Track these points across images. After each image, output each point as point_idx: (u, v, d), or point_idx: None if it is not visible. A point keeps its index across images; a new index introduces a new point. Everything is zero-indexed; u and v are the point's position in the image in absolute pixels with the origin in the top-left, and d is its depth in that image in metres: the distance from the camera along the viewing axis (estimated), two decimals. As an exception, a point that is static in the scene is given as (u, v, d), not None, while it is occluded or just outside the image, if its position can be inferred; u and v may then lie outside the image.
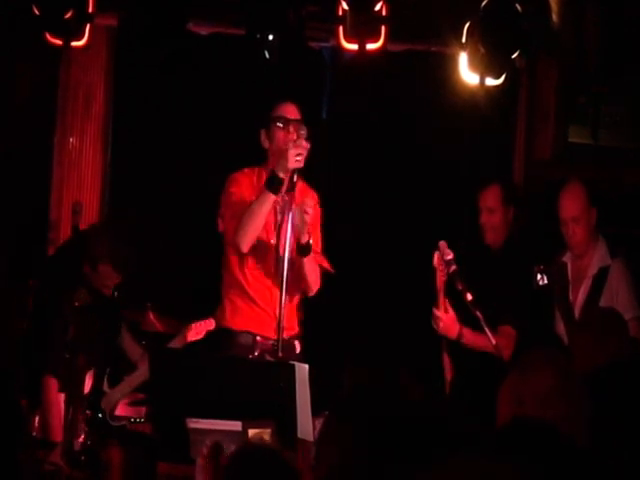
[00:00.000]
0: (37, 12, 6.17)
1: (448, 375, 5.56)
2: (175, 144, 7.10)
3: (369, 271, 6.89)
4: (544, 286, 5.60)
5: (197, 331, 6.02)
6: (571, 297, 5.76)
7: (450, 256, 5.41)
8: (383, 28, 6.16)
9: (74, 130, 7.14)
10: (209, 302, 6.12)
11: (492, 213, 5.86)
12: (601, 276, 5.71)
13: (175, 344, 5.98)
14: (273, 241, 5.33)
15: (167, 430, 4.44)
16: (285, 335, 5.26)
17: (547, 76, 6.99)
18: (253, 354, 5.34)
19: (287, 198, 5.17)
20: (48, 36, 6.27)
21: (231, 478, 2.45)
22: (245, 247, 5.30)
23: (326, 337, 6.07)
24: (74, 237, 6.16)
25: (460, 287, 5.32)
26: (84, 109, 7.14)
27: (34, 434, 5.93)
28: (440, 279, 5.45)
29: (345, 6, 6.14)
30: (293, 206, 5.10)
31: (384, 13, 6.17)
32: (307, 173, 5.40)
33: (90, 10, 6.31)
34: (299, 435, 4.15)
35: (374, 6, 6.13)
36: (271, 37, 6.13)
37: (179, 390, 4.31)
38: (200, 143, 7.09)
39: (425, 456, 2.21)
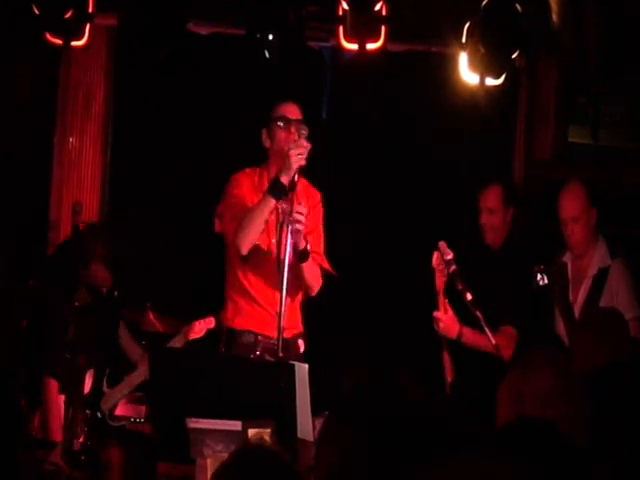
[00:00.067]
0: (37, 12, 6.17)
1: (449, 376, 5.56)
2: (175, 144, 7.10)
3: (369, 271, 6.89)
4: (544, 286, 5.60)
5: (197, 330, 6.03)
6: (571, 297, 5.76)
7: (450, 256, 5.41)
8: (383, 28, 6.16)
9: (74, 130, 7.14)
10: (209, 302, 6.12)
11: (492, 213, 5.87)
12: (601, 276, 5.71)
13: (175, 343, 5.98)
14: (274, 241, 5.33)
15: (167, 430, 4.44)
16: (288, 334, 5.27)
17: (547, 76, 6.99)
18: (254, 353, 5.34)
19: (288, 202, 5.14)
20: (48, 36, 6.27)
21: (231, 478, 2.45)
22: (244, 250, 5.30)
23: (326, 337, 6.06)
24: (74, 236, 6.16)
25: (460, 287, 5.32)
26: (84, 109, 7.14)
27: (34, 434, 5.94)
28: (440, 280, 5.45)
29: (345, 6, 6.14)
30: (293, 207, 5.09)
31: (384, 13, 6.18)
32: (307, 173, 5.40)
33: (90, 10, 6.31)
34: (299, 435, 4.14)
35: (374, 6, 6.13)
36: (271, 37, 6.13)
37: (179, 390, 4.31)
38: (200, 143, 7.09)
39: (425, 456, 2.21)
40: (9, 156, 6.92)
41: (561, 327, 5.69)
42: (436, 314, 5.52)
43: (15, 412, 6.05)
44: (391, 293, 6.85)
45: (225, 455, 2.60)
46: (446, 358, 5.56)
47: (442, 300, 5.50)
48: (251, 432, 4.01)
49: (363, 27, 6.16)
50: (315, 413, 4.16)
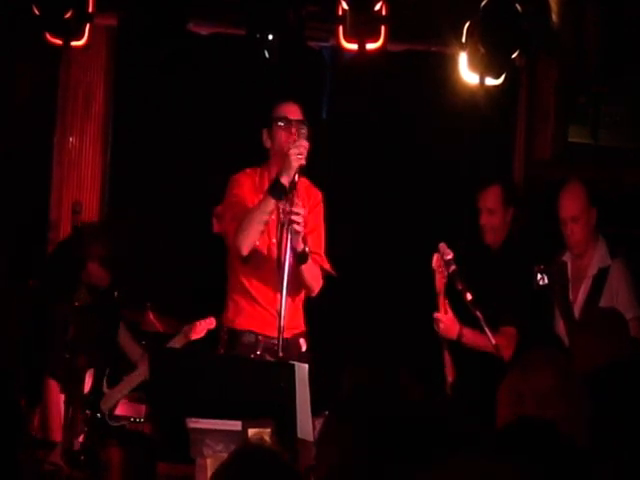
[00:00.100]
0: (37, 12, 6.17)
1: (449, 376, 5.56)
2: (175, 144, 7.10)
3: (369, 271, 6.88)
4: (544, 286, 5.60)
5: (198, 330, 6.03)
6: (571, 297, 5.76)
7: (450, 256, 5.42)
8: (383, 28, 6.16)
9: (74, 130, 7.14)
10: (209, 302, 6.12)
11: (492, 214, 5.87)
12: (601, 276, 5.71)
13: (175, 343, 5.99)
14: (275, 241, 5.32)
15: (167, 430, 4.44)
16: (289, 334, 5.29)
17: (547, 76, 6.99)
18: (255, 353, 5.34)
19: (289, 202, 5.14)
20: (48, 36, 6.27)
21: (231, 478, 2.45)
22: (245, 250, 5.30)
23: (326, 337, 6.06)
24: (73, 236, 6.17)
25: (460, 287, 5.32)
26: (84, 109, 7.14)
27: (34, 434, 5.94)
28: (440, 281, 5.46)
29: (345, 6, 6.14)
30: (293, 209, 5.09)
31: (384, 13, 6.17)
32: (307, 173, 5.40)
33: (90, 10, 6.31)
34: (299, 435, 4.14)
35: (374, 6, 6.13)
36: (271, 37, 6.13)
37: (179, 390, 4.31)
38: (200, 143, 7.08)
39: (425, 456, 2.21)
40: (9, 156, 6.92)
41: (561, 327, 5.69)
42: (436, 315, 5.53)
43: (15, 412, 6.05)
44: (391, 293, 6.85)
45: (225, 455, 2.60)
46: (447, 358, 5.56)
47: (442, 301, 5.51)
48: (251, 432, 4.01)
49: (363, 27, 6.16)
50: (315, 413, 4.16)
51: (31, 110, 7.08)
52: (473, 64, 6.10)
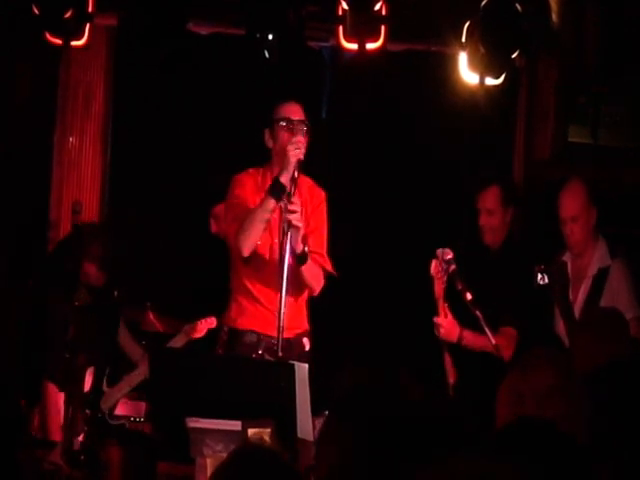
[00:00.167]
0: (37, 12, 6.17)
1: (451, 378, 5.57)
2: (175, 144, 7.10)
3: (369, 271, 6.88)
4: (544, 285, 5.59)
5: (199, 329, 6.03)
6: (571, 296, 5.76)
7: (450, 255, 5.42)
8: (383, 28, 6.16)
9: (74, 129, 7.14)
10: (208, 302, 6.12)
11: (491, 214, 5.86)
12: (601, 276, 5.71)
13: (176, 343, 5.99)
14: (277, 241, 5.32)
15: (167, 430, 4.44)
16: (292, 334, 5.31)
17: (547, 76, 6.99)
18: (257, 353, 5.34)
19: (288, 200, 5.14)
20: (48, 36, 6.27)
21: (230, 478, 2.44)
22: (246, 251, 5.31)
23: (326, 337, 6.06)
24: (73, 235, 6.18)
25: (460, 287, 5.32)
26: (84, 108, 7.14)
27: (34, 434, 5.94)
28: (439, 287, 5.46)
29: (345, 6, 6.14)
30: (290, 207, 5.09)
31: (384, 13, 6.17)
32: (307, 173, 5.41)
33: (90, 10, 6.31)
34: (299, 435, 4.14)
35: (374, 6, 6.12)
36: (271, 37, 6.13)
37: (179, 390, 4.31)
38: (200, 143, 7.08)
39: (425, 456, 2.21)
40: (9, 156, 6.92)
41: (561, 327, 5.69)
42: (436, 319, 5.53)
43: (15, 412, 6.06)
44: (391, 293, 6.85)
45: (225, 455, 2.60)
46: (447, 361, 5.57)
47: (442, 305, 5.51)
48: (251, 432, 4.01)
49: (363, 27, 6.16)
50: (316, 413, 4.16)
51: (31, 110, 7.08)
52: (473, 64, 6.10)
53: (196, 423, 4.14)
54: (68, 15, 6.18)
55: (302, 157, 5.16)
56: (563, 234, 5.77)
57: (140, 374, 5.90)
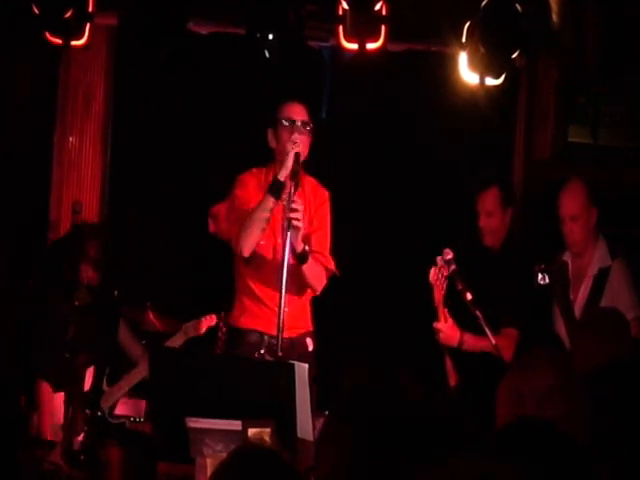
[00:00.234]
0: (37, 11, 6.16)
1: (452, 380, 5.58)
2: (175, 144, 7.10)
3: (368, 270, 6.88)
4: (545, 285, 5.59)
5: (201, 327, 6.03)
6: (571, 296, 5.76)
7: (450, 255, 5.42)
8: (383, 28, 6.15)
9: (74, 129, 7.14)
10: (208, 302, 6.12)
11: (490, 216, 5.87)
12: (601, 276, 5.71)
13: (174, 342, 5.99)
14: (280, 241, 5.32)
15: (167, 429, 4.44)
16: (295, 333, 5.34)
17: (547, 76, 6.99)
18: (259, 352, 5.34)
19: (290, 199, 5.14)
20: (48, 35, 6.26)
21: (230, 478, 2.44)
22: (247, 252, 5.31)
23: (327, 337, 6.05)
24: (71, 234, 6.19)
25: (460, 287, 5.32)
26: (84, 108, 7.14)
27: (34, 434, 5.94)
28: (438, 294, 5.47)
29: (345, 5, 6.14)
30: (292, 205, 5.09)
31: (384, 13, 6.17)
32: (307, 173, 5.41)
33: (90, 9, 6.31)
34: (299, 435, 4.14)
35: (374, 6, 6.12)
36: (271, 37, 6.13)
37: (179, 389, 4.31)
38: (200, 143, 7.08)
39: (425, 456, 2.21)
40: (9, 156, 6.91)
41: (561, 327, 5.68)
42: (436, 325, 5.53)
43: (15, 412, 6.07)
44: (391, 293, 6.85)
45: (225, 455, 2.59)
46: (448, 364, 5.57)
47: (442, 311, 5.51)
48: (251, 432, 4.01)
49: (363, 27, 6.16)
50: (319, 413, 4.16)
51: (31, 110, 7.07)
52: (473, 64, 6.10)
53: (196, 423, 4.14)
54: (68, 15, 6.18)
55: (302, 153, 5.18)
56: (562, 233, 5.77)
57: (140, 372, 5.90)
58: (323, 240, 5.47)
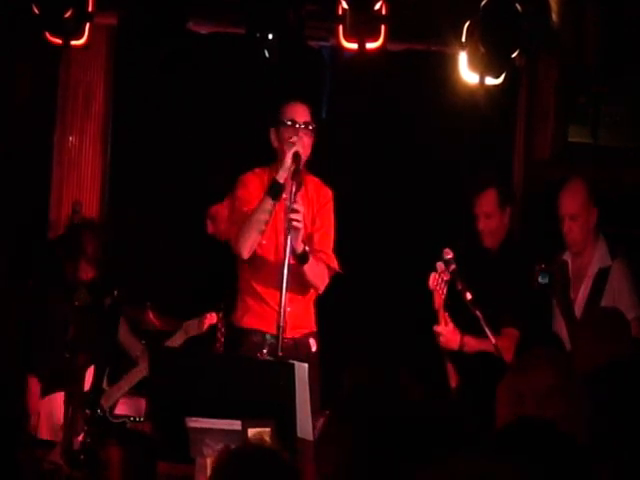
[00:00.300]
0: (37, 11, 6.16)
1: (453, 382, 5.57)
2: (175, 144, 7.10)
3: (368, 270, 6.88)
4: (545, 285, 5.59)
5: (201, 325, 6.03)
6: (571, 296, 5.76)
7: (450, 255, 5.42)
8: (383, 27, 6.15)
9: (74, 129, 7.14)
10: (208, 301, 6.12)
11: (489, 218, 5.86)
12: (601, 276, 5.70)
13: (174, 341, 5.99)
14: (282, 241, 5.32)
15: (167, 429, 4.44)
16: (298, 334, 5.35)
17: (547, 76, 6.99)
18: (262, 352, 5.34)
19: (295, 199, 5.14)
20: (48, 35, 6.26)
21: (230, 478, 2.44)
22: (245, 254, 5.31)
23: (332, 338, 6.06)
24: (69, 232, 6.20)
25: (460, 287, 5.32)
26: (84, 108, 7.14)
27: (33, 434, 5.95)
28: (438, 298, 5.46)
29: (345, 5, 6.14)
30: (293, 206, 5.09)
31: (384, 12, 6.17)
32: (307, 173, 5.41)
33: (90, 9, 6.31)
34: (299, 435, 4.14)
35: (374, 5, 6.12)
36: (271, 36, 6.13)
37: (179, 389, 4.31)
38: (200, 142, 7.08)
39: (425, 456, 2.21)
40: (9, 156, 6.91)
41: (561, 327, 5.68)
42: (436, 328, 5.52)
43: (15, 412, 6.07)
44: (390, 292, 6.85)
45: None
46: (449, 365, 5.57)
47: (442, 315, 5.51)
48: (251, 432, 4.01)
49: (363, 26, 6.16)
50: (322, 413, 4.16)
51: (31, 110, 7.07)
52: (473, 64, 6.10)
53: (196, 423, 4.14)
54: (68, 15, 6.17)
55: (303, 153, 5.18)
56: (562, 232, 5.76)
57: (141, 371, 5.90)
58: (326, 239, 5.47)
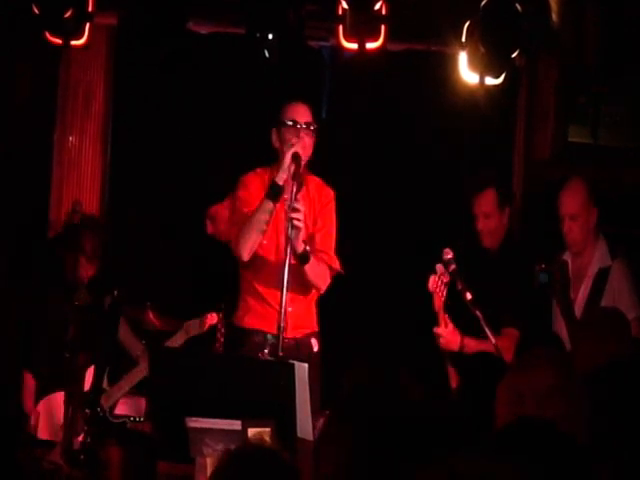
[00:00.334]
0: (37, 11, 6.16)
1: (453, 383, 5.57)
2: (175, 143, 7.10)
3: (368, 270, 6.88)
4: (545, 285, 5.59)
5: (202, 325, 6.03)
6: (572, 296, 5.76)
7: (450, 255, 5.42)
8: (383, 27, 6.15)
9: (74, 129, 7.14)
10: (208, 301, 6.12)
11: (488, 218, 5.86)
12: (601, 276, 5.70)
13: (175, 341, 5.98)
14: (283, 240, 5.32)
15: (167, 429, 4.44)
16: (300, 334, 5.35)
17: (547, 76, 6.99)
18: (263, 352, 5.35)
19: (297, 199, 5.14)
20: (48, 35, 6.26)
21: (230, 478, 2.44)
22: (245, 255, 5.31)
23: (334, 338, 6.06)
24: (67, 230, 6.20)
25: (460, 286, 5.32)
26: (84, 108, 7.14)
27: (33, 433, 5.95)
28: (438, 300, 5.46)
29: (345, 5, 6.14)
30: (294, 205, 5.09)
31: (384, 12, 6.17)
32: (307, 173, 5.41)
33: (90, 9, 6.31)
34: (299, 435, 4.14)
35: (374, 5, 6.12)
36: (271, 36, 6.13)
37: (179, 389, 4.31)
38: (200, 142, 7.08)
39: (425, 456, 2.21)
40: (9, 156, 6.91)
41: (561, 327, 5.68)
42: (436, 330, 5.52)
43: (15, 412, 6.07)
44: (390, 292, 6.85)
45: (224, 454, 2.59)
46: (449, 369, 5.57)
47: (442, 317, 5.51)
48: (251, 432, 4.01)
49: (363, 26, 6.16)
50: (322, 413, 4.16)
51: (31, 110, 7.07)
52: (473, 64, 6.10)
53: (196, 423, 4.14)
54: (68, 15, 6.17)
55: (304, 153, 5.18)
56: (562, 232, 5.76)
57: (141, 371, 5.90)
58: (328, 239, 5.47)
